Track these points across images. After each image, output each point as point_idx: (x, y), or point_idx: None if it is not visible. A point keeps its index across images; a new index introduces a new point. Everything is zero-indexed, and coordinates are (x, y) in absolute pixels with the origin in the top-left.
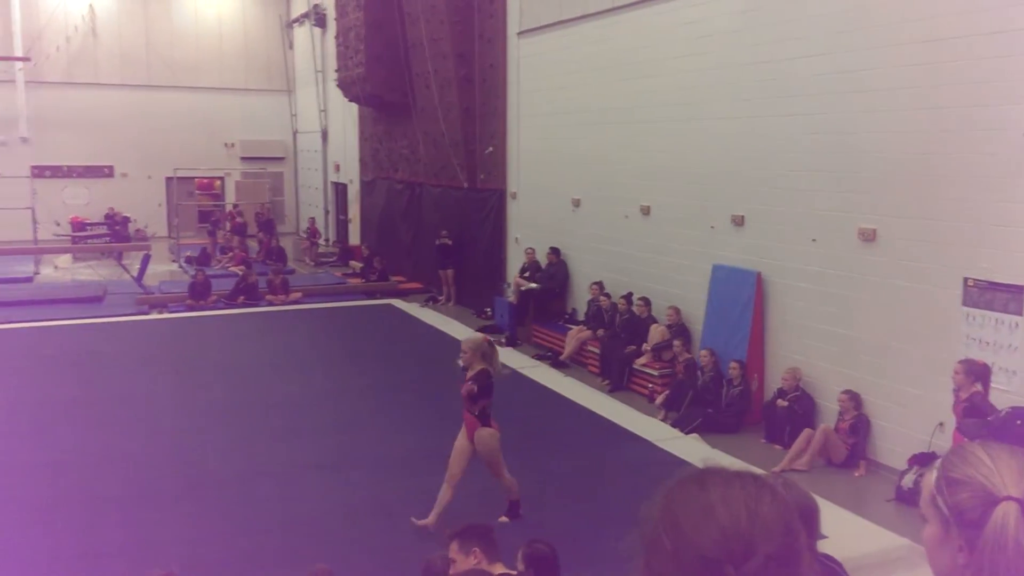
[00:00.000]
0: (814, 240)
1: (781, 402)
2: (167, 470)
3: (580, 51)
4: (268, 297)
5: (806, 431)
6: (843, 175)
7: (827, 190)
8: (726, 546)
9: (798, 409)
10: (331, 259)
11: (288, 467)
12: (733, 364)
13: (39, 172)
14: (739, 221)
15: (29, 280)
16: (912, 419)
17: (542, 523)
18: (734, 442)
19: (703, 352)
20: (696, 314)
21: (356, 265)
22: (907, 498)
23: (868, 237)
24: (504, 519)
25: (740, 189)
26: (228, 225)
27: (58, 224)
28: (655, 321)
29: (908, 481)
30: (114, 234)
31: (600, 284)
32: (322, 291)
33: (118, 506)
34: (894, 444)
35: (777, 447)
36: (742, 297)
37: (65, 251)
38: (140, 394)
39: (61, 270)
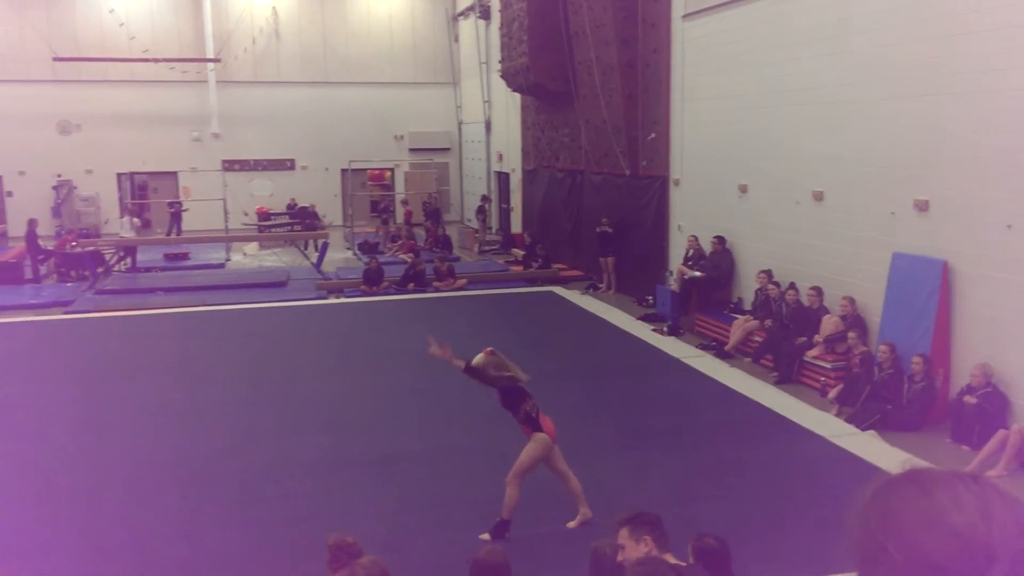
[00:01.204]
0: (1009, 227)
1: (969, 399)
2: (350, 444)
3: (748, 32)
4: (435, 284)
5: (1000, 432)
6: None
7: None
8: (966, 554)
9: (988, 407)
10: (494, 247)
11: (464, 451)
12: (916, 358)
13: (229, 166)
14: (923, 207)
15: (221, 266)
16: None
17: (709, 516)
18: (916, 441)
19: (882, 347)
20: (872, 305)
21: (518, 253)
22: None
23: None
24: (485, 536)
25: (924, 172)
26: (402, 215)
27: (246, 214)
28: (827, 312)
29: None
30: (304, 224)
31: (769, 272)
32: (486, 278)
33: (313, 476)
34: None
35: (965, 448)
36: (926, 288)
37: (252, 239)
38: (317, 371)
39: (249, 257)
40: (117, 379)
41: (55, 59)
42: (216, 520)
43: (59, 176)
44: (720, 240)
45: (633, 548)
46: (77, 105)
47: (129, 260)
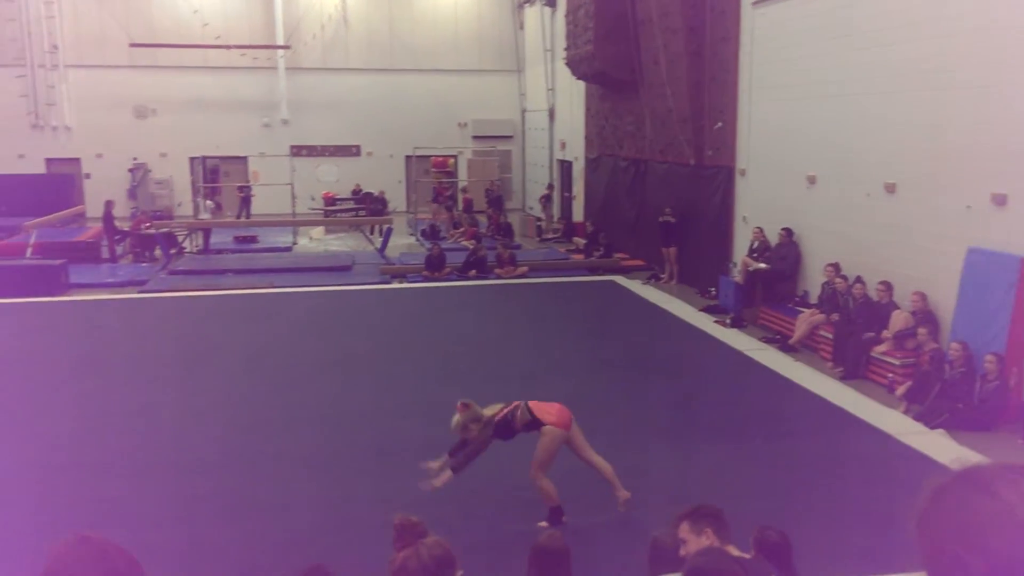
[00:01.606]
0: None
1: None
2: (408, 426)
3: (820, 19)
4: (496, 271)
5: None
6: None
7: None
8: None
9: None
10: (555, 235)
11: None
12: (989, 357)
13: (297, 151)
14: (1000, 201)
15: (288, 249)
16: None
17: (767, 511)
18: (987, 441)
19: (954, 344)
20: (944, 301)
21: (579, 242)
22: None
23: None
24: (543, 523)
25: (1003, 165)
26: (461, 202)
27: (313, 199)
28: (896, 307)
29: None
30: (369, 209)
31: (836, 266)
32: (547, 266)
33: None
34: None
35: None
36: (1001, 284)
37: (319, 224)
38: (383, 355)
39: (315, 241)
40: (185, 358)
41: (132, 45)
42: (291, 497)
43: (135, 159)
44: (787, 232)
45: (695, 541)
46: (152, 90)
47: (206, 239)
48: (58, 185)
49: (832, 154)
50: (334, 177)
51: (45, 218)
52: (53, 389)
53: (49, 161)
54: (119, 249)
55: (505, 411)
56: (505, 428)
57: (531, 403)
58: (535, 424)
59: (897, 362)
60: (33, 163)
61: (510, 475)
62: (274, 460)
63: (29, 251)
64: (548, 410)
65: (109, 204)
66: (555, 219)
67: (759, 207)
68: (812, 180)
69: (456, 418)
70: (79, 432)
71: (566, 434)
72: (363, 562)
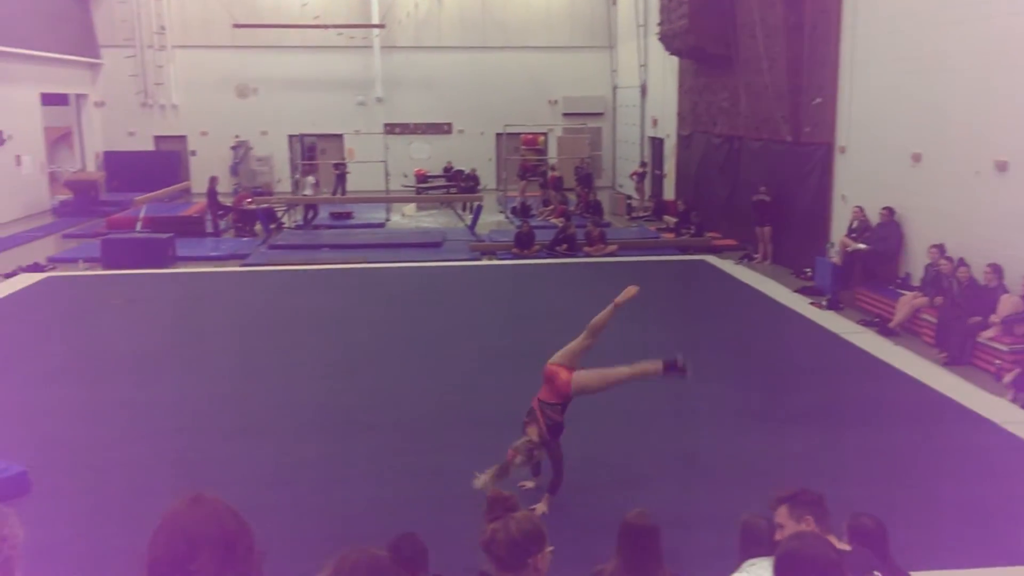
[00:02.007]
0: None
1: None
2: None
3: None
4: (585, 249)
5: None
6: None
7: None
8: None
9: None
10: (645, 214)
11: (598, 415)
12: None
13: (390, 129)
14: None
15: (381, 226)
16: None
17: (865, 499)
18: None
19: None
20: None
21: (670, 220)
22: None
23: None
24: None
25: None
26: (549, 179)
27: (405, 176)
28: (1005, 290)
29: None
30: (460, 187)
31: (940, 247)
32: (636, 244)
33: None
34: None
35: None
36: None
37: (411, 200)
38: (472, 330)
39: (407, 217)
40: (284, 327)
41: (235, 26)
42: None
43: (237, 137)
44: (889, 211)
45: (793, 528)
46: (254, 70)
47: (312, 214)
48: (166, 162)
49: (939, 130)
50: (426, 155)
51: (153, 193)
52: (161, 355)
53: (157, 139)
54: (222, 224)
55: (542, 419)
56: (555, 429)
57: (539, 396)
58: (561, 402)
59: (1005, 348)
60: (142, 140)
61: (600, 454)
62: (370, 429)
63: (139, 225)
64: (552, 386)
65: (213, 180)
66: (646, 197)
67: (859, 185)
68: (917, 157)
69: (518, 461)
70: (189, 397)
71: (578, 373)
72: (454, 532)
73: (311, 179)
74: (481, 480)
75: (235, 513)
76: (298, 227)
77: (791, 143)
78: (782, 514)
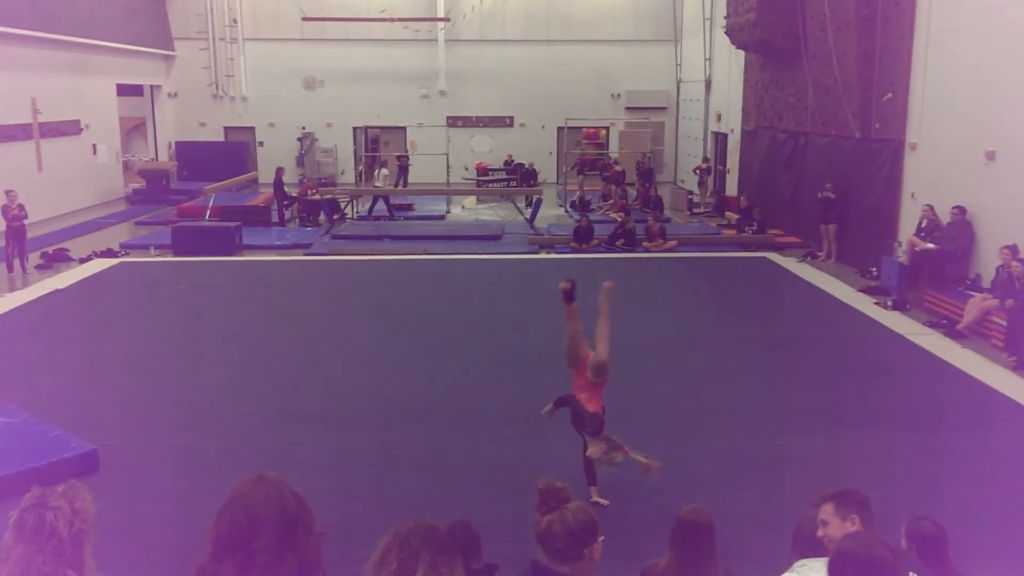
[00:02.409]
0: None
1: None
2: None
3: None
4: (645, 244)
5: None
6: None
7: None
8: None
9: None
10: (707, 210)
11: (655, 412)
12: None
13: (452, 122)
14: None
15: (442, 218)
16: None
17: (930, 503)
18: None
19: None
20: None
21: (732, 216)
22: None
23: None
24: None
25: None
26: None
27: (466, 169)
28: None
29: None
30: (521, 180)
31: (1013, 248)
32: (697, 240)
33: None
34: None
35: None
36: None
37: (471, 193)
38: (528, 321)
39: (467, 210)
40: (347, 316)
41: (303, 19)
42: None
43: (303, 128)
44: (960, 210)
45: (838, 526)
46: (321, 62)
47: (384, 204)
48: (234, 152)
49: (1014, 127)
50: (487, 148)
51: (222, 183)
52: (224, 341)
53: (227, 129)
54: (287, 214)
55: (597, 424)
56: (597, 420)
57: (577, 396)
58: (592, 392)
59: None
60: (213, 131)
61: (656, 452)
62: (429, 416)
63: (208, 213)
64: (585, 396)
65: (279, 171)
66: (709, 192)
67: (930, 183)
68: (991, 156)
69: (618, 460)
70: (251, 382)
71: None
72: (508, 521)
73: (384, 171)
74: (592, 449)
75: (296, 494)
76: (383, 218)
77: (860, 139)
78: (827, 511)
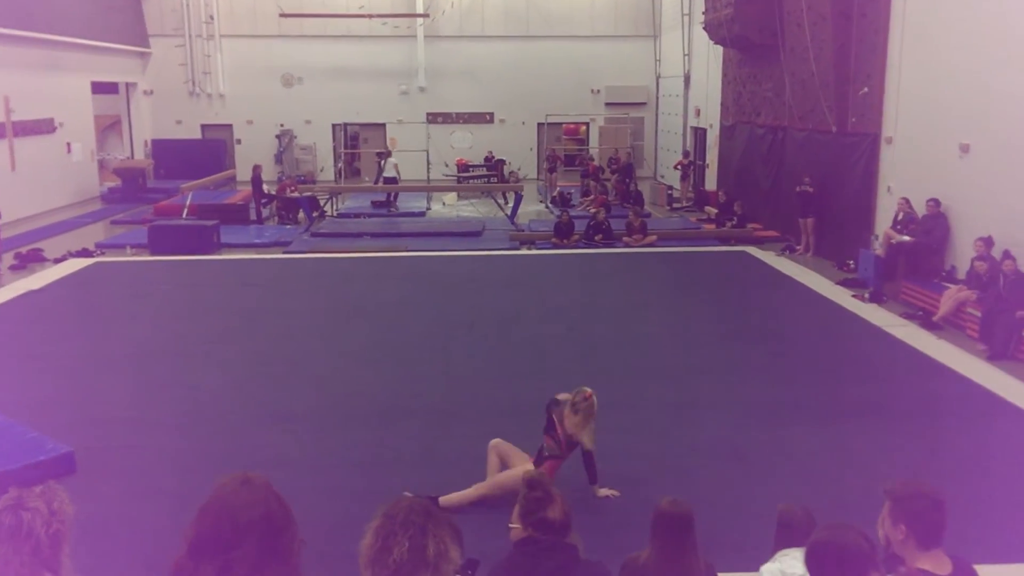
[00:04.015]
0: None
1: None
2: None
3: None
4: (624, 239)
5: None
6: None
7: None
8: None
9: None
10: (687, 204)
11: (635, 406)
12: None
13: (432, 118)
14: None
15: (422, 214)
16: None
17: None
18: None
19: None
20: None
21: (711, 211)
22: None
23: None
24: None
25: None
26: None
27: (446, 165)
28: None
29: None
30: (498, 176)
31: (987, 240)
32: (676, 235)
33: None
34: None
35: None
36: None
37: (451, 189)
38: (506, 318)
39: (448, 206)
40: (326, 314)
41: (281, 15)
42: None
43: (281, 126)
44: (935, 203)
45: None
46: (299, 59)
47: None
48: (212, 150)
49: (989, 121)
50: (468, 144)
51: (199, 181)
52: (203, 341)
53: (204, 127)
54: (266, 212)
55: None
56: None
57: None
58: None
59: None
60: (189, 129)
61: (638, 445)
62: (416, 413)
63: (185, 212)
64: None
65: (257, 168)
66: (689, 187)
67: (905, 176)
68: (965, 148)
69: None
70: (230, 381)
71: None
72: (492, 517)
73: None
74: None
75: (281, 499)
76: (361, 214)
77: (836, 133)
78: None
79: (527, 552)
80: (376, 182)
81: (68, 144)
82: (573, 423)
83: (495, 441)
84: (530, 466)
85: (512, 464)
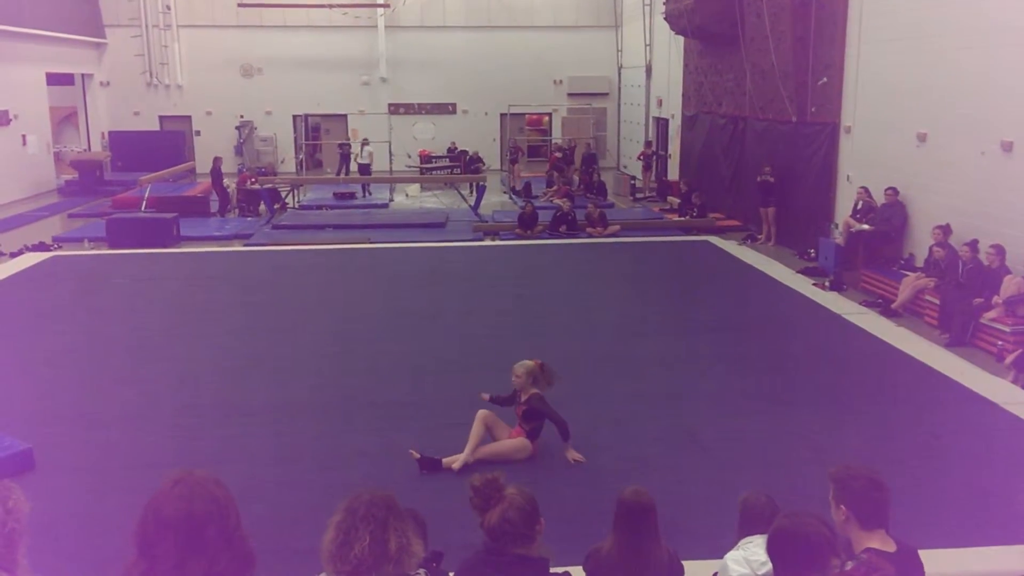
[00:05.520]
0: None
1: None
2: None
3: None
4: (588, 230)
5: None
6: None
7: None
8: None
9: None
10: (649, 195)
11: (600, 397)
12: None
13: (394, 109)
14: None
15: (385, 206)
16: None
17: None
18: None
19: None
20: None
21: (674, 201)
22: None
23: None
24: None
25: None
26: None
27: (409, 156)
28: (1008, 271)
29: None
30: (464, 167)
31: (945, 228)
32: (639, 225)
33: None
34: None
35: None
36: None
37: (414, 181)
38: (469, 309)
39: (411, 198)
40: (287, 307)
41: (240, 5)
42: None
43: (241, 117)
44: (893, 191)
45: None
46: (259, 49)
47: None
48: (170, 142)
49: (945, 110)
50: (430, 135)
51: (158, 173)
52: (163, 335)
53: (162, 118)
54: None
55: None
56: (540, 414)
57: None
58: (533, 434)
59: (1007, 329)
60: (147, 120)
61: (599, 436)
62: (370, 408)
63: (143, 205)
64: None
65: (217, 160)
66: (652, 178)
67: (864, 166)
68: (923, 138)
69: (530, 364)
70: (191, 376)
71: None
72: (454, 510)
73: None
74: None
75: (213, 496)
76: (323, 206)
77: (796, 123)
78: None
79: (475, 561)
80: (342, 172)
81: (23, 136)
82: (519, 384)
83: (483, 412)
84: (520, 439)
85: (497, 436)
